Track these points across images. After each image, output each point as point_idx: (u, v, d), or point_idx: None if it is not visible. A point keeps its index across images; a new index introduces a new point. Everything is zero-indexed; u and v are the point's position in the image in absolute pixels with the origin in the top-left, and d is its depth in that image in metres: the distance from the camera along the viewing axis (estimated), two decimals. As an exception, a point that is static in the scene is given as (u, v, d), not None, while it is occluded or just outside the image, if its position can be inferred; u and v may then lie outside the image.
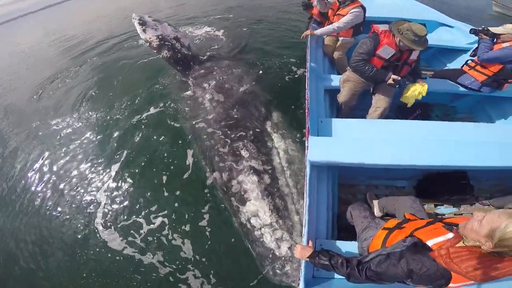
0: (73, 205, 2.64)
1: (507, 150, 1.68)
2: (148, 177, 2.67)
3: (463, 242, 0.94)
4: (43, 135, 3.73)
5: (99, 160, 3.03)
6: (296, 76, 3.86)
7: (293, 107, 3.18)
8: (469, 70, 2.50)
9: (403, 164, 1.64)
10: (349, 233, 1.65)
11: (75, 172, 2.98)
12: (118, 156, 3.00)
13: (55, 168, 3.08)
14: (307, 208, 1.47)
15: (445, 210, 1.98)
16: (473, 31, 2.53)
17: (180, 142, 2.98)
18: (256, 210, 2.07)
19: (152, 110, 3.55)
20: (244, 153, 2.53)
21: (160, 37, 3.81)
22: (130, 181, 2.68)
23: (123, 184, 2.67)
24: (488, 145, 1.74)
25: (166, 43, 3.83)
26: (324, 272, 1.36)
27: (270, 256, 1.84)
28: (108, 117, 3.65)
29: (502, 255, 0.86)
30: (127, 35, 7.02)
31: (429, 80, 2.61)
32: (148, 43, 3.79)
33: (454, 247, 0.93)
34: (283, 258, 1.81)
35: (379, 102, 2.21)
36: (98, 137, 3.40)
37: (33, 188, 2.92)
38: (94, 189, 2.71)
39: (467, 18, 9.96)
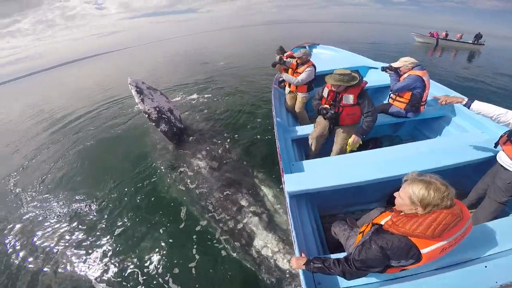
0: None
1: (440, 155, 2.14)
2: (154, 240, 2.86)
3: (403, 213, 1.18)
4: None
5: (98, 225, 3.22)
6: (269, 136, 4.50)
7: (272, 163, 3.62)
8: (393, 101, 3.07)
9: (364, 180, 1.96)
10: (340, 250, 1.82)
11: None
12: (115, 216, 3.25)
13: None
14: (292, 228, 1.70)
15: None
16: (382, 69, 3.20)
17: (183, 205, 3.26)
18: (265, 243, 2.42)
19: (152, 178, 3.87)
20: (243, 203, 3.01)
21: (157, 109, 4.12)
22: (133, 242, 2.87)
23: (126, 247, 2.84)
24: (426, 154, 2.19)
25: (163, 115, 4.17)
26: (325, 283, 1.45)
27: (287, 276, 2.14)
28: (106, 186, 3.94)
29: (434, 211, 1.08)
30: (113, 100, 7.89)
31: None
32: (146, 114, 4.02)
33: (395, 217, 1.18)
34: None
35: (336, 140, 2.77)
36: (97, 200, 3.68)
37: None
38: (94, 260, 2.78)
39: (401, 53, 12.22)
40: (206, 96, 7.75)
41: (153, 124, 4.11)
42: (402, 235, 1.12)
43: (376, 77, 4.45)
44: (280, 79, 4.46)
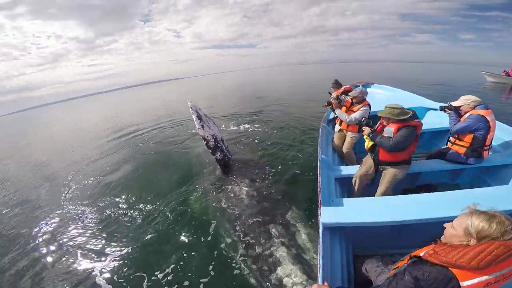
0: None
1: (500, 201, 1.95)
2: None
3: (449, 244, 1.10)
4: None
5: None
6: (312, 174, 4.38)
7: (311, 202, 3.56)
8: (452, 146, 2.82)
9: (405, 219, 1.86)
10: None
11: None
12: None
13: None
14: (320, 257, 1.66)
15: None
16: (440, 109, 3.01)
17: (215, 221, 3.47)
18: (288, 273, 2.39)
19: (193, 195, 4.23)
20: (273, 232, 3.02)
21: (214, 137, 4.43)
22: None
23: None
24: (484, 199, 1.93)
25: (218, 145, 4.55)
26: None
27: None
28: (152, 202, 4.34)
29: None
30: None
31: (425, 161, 3.01)
32: (205, 141, 4.29)
33: (439, 247, 1.11)
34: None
35: (382, 180, 2.67)
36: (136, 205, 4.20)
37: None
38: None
39: (481, 98, 10.85)
40: (256, 126, 8.34)
41: (210, 151, 4.46)
42: (443, 264, 1.03)
43: (434, 119, 4.18)
44: (330, 117, 4.53)
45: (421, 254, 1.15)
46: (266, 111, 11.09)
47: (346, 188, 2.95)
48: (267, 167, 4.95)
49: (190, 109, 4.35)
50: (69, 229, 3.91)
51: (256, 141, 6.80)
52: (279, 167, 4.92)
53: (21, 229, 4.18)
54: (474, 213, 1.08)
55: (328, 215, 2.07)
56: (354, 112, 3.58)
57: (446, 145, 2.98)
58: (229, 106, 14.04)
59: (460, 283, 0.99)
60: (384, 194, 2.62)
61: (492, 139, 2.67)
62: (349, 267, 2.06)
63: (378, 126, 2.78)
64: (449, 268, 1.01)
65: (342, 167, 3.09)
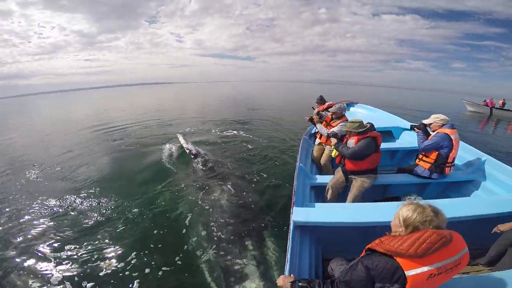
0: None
1: (460, 207, 2.14)
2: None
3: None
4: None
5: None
6: (288, 184, 4.39)
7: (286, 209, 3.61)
8: (419, 162, 3.02)
9: (371, 221, 1.99)
10: None
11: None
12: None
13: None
14: (289, 251, 1.75)
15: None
16: (411, 128, 3.22)
17: (190, 222, 3.46)
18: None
19: (169, 192, 4.31)
20: (246, 243, 2.97)
21: (195, 150, 5.90)
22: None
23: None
24: (445, 206, 2.17)
25: (199, 154, 5.77)
26: None
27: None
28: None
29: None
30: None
31: (394, 175, 3.24)
32: (187, 150, 5.79)
33: (385, 237, 1.18)
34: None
35: (352, 188, 2.82)
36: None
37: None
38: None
39: (456, 125, 11.47)
40: (241, 134, 8.56)
41: (192, 157, 5.58)
42: (387, 253, 1.10)
43: (409, 139, 4.44)
44: (312, 131, 4.70)
45: (371, 246, 1.22)
46: (255, 121, 11.34)
47: (321, 195, 3.09)
48: (247, 174, 5.04)
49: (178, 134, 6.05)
50: (25, 216, 3.80)
51: (239, 147, 6.97)
52: (259, 174, 5.03)
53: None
54: (406, 204, 1.20)
55: (299, 214, 2.19)
56: (333, 127, 3.80)
57: (415, 161, 3.18)
58: (221, 114, 14.20)
59: (405, 272, 1.05)
60: (353, 201, 2.77)
61: (454, 157, 2.89)
62: (318, 269, 2.14)
63: (344, 139, 3.02)
64: (394, 257, 1.08)
65: (318, 176, 3.25)
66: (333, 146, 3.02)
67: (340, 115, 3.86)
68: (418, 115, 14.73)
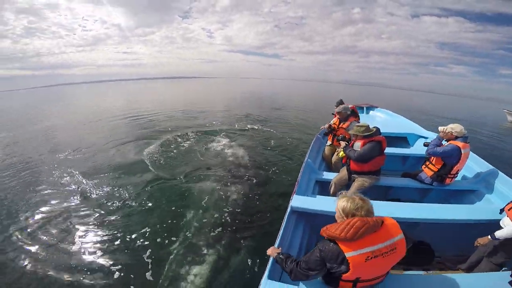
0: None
1: (446, 211, 2.31)
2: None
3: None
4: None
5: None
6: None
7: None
8: (424, 168, 3.09)
9: None
10: None
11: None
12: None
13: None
14: (282, 230, 1.99)
15: (413, 272, 2.33)
16: (424, 145, 3.25)
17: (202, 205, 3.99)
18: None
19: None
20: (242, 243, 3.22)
21: None
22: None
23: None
24: (433, 208, 2.36)
25: None
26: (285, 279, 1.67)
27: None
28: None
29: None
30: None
31: (397, 178, 3.32)
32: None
33: (327, 225, 1.38)
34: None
35: (353, 185, 3.01)
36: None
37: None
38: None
39: (489, 135, 10.87)
40: (265, 129, 9.11)
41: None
42: (328, 237, 1.34)
43: (422, 147, 4.47)
44: (326, 130, 4.90)
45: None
46: (276, 120, 11.70)
47: (326, 190, 3.29)
48: (262, 165, 5.51)
49: None
50: (54, 190, 4.56)
51: (259, 142, 7.47)
52: (271, 167, 5.47)
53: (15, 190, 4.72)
54: (341, 197, 1.45)
55: (298, 201, 2.43)
56: (344, 129, 3.93)
57: (421, 167, 3.26)
58: (245, 110, 14.80)
59: (345, 254, 1.26)
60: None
61: (459, 170, 2.94)
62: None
63: (351, 142, 3.23)
64: (337, 242, 1.30)
65: (324, 172, 3.48)
66: (341, 149, 3.26)
67: (346, 116, 3.98)
68: (445, 123, 13.88)
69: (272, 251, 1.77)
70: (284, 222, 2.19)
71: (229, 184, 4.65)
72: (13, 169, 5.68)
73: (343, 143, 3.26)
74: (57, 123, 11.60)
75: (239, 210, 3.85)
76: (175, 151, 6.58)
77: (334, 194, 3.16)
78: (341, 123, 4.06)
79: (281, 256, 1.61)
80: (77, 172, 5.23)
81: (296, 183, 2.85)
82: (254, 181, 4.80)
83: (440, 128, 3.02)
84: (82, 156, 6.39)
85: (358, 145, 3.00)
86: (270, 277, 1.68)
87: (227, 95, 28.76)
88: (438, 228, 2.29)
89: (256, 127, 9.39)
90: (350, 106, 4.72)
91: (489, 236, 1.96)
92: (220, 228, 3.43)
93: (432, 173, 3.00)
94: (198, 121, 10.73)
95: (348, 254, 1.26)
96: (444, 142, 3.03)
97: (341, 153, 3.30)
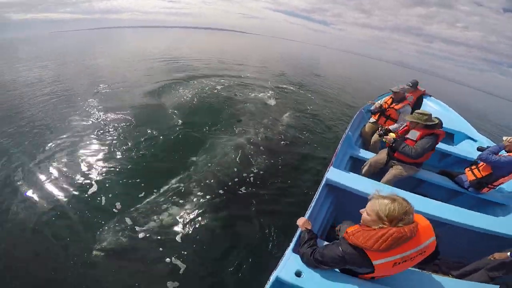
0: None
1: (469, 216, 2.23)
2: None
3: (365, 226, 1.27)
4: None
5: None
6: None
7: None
8: (468, 171, 2.93)
9: None
10: None
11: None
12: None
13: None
14: (314, 202, 2.03)
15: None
16: (478, 149, 3.10)
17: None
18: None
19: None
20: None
21: None
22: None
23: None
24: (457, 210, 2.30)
25: None
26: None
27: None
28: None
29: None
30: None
31: (432, 173, 3.14)
32: None
33: (355, 229, 1.29)
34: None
35: (390, 171, 2.90)
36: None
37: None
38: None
39: None
40: (301, 92, 8.91)
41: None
42: (355, 245, 1.23)
43: (467, 148, 4.14)
44: (371, 108, 4.57)
45: (348, 231, 1.33)
46: (315, 84, 11.30)
47: (357, 168, 3.20)
48: (291, 130, 5.38)
49: None
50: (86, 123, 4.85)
51: (293, 103, 7.35)
52: (305, 135, 5.34)
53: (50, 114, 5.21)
54: (380, 197, 1.26)
55: (333, 174, 2.41)
56: (395, 109, 3.67)
57: (464, 169, 3.07)
58: (280, 67, 14.49)
59: (372, 262, 1.20)
60: (386, 183, 2.81)
61: (502, 183, 2.76)
62: (327, 227, 2.38)
63: (403, 128, 2.94)
64: (365, 250, 1.20)
65: (361, 150, 3.34)
66: (386, 140, 2.92)
67: (402, 97, 3.66)
68: (504, 132, 12.35)
69: (302, 224, 1.72)
70: (318, 194, 2.19)
71: (259, 141, 4.64)
72: (54, 95, 6.32)
73: (391, 137, 2.88)
74: (102, 61, 12.15)
75: (266, 172, 3.81)
76: (207, 98, 6.67)
77: (366, 175, 3.05)
78: (394, 104, 3.77)
79: (307, 233, 1.60)
80: (105, 106, 5.59)
81: (334, 155, 2.79)
82: (285, 144, 4.75)
83: (505, 138, 2.76)
84: (116, 91, 6.76)
85: (415, 134, 2.72)
86: (296, 250, 1.63)
87: (265, 52, 27.89)
88: (458, 232, 2.22)
89: (293, 88, 9.18)
90: (422, 89, 4.44)
91: (509, 254, 1.92)
92: (246, 187, 3.43)
93: (474, 178, 2.83)
94: (232, 72, 10.68)
95: (376, 262, 1.20)
96: (502, 152, 2.80)
97: (387, 143, 2.96)
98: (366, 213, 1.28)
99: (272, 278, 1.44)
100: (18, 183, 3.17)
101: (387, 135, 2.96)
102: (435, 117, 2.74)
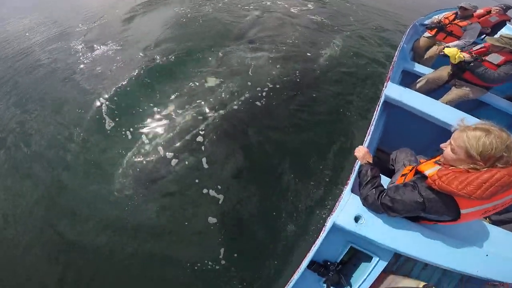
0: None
1: None
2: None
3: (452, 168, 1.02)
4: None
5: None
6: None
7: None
8: None
9: (447, 122, 1.99)
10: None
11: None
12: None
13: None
14: (373, 124, 1.87)
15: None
16: None
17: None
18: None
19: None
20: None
21: None
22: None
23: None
24: None
25: None
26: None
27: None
28: None
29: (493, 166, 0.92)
30: None
31: (498, 98, 2.78)
32: None
33: (442, 172, 1.02)
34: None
35: (452, 90, 2.64)
36: None
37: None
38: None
39: None
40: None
41: None
42: (447, 193, 1.00)
43: None
44: (425, 22, 3.93)
45: (426, 174, 1.10)
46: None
47: (409, 82, 2.92)
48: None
49: None
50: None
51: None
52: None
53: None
54: (468, 129, 0.99)
55: (392, 91, 2.20)
56: (460, 26, 3.22)
57: None
58: None
59: (461, 210, 1.00)
60: (447, 103, 2.57)
61: None
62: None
63: (480, 49, 2.55)
64: (453, 196, 0.99)
65: (415, 64, 3.02)
66: (456, 57, 2.42)
67: (469, 14, 3.24)
68: None
69: (363, 156, 1.43)
70: (377, 115, 1.96)
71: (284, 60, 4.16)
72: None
73: (467, 56, 2.44)
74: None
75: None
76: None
77: (421, 91, 2.73)
78: (457, 20, 3.29)
79: (366, 169, 1.33)
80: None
81: (391, 68, 2.50)
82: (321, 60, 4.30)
83: None
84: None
85: (498, 58, 2.37)
86: (355, 190, 1.43)
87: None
88: None
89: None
90: (480, 11, 3.58)
91: None
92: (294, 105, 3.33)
93: None
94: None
95: (466, 211, 1.00)
96: None
97: (458, 55, 2.44)
98: (450, 149, 1.03)
99: (328, 224, 1.32)
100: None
101: (472, 57, 2.49)
102: None
